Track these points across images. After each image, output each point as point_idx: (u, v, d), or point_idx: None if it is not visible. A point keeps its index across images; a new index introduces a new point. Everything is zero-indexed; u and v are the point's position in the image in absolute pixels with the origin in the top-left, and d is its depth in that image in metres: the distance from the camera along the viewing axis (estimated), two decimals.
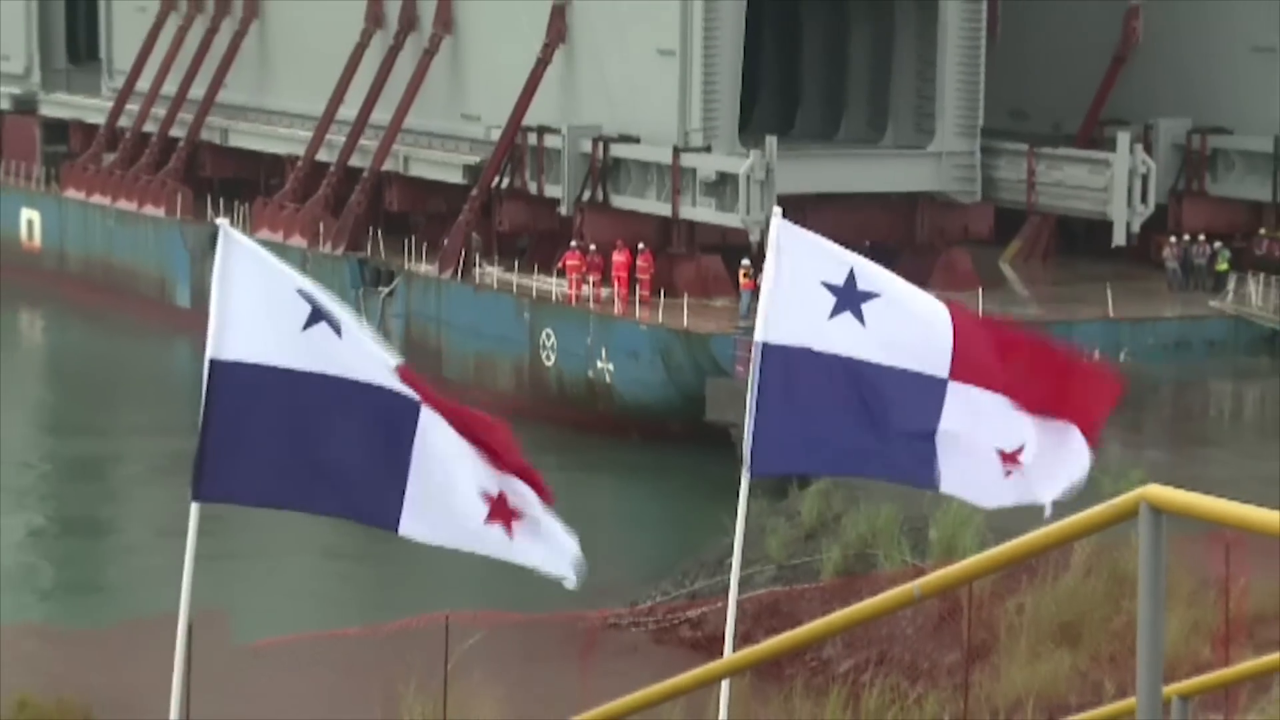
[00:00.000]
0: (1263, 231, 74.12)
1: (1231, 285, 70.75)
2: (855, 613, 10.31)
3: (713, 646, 31.42)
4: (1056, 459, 14.90)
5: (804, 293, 14.95)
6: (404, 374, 13.90)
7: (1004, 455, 14.86)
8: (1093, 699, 26.51)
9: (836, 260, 15.03)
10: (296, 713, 29.84)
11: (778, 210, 15.91)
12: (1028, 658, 32.56)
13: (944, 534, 39.84)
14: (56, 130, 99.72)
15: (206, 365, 13.63)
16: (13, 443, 67.38)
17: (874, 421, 14.96)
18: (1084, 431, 14.96)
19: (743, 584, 15.92)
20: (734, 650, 15.25)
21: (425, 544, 14.24)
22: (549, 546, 14.05)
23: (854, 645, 33.27)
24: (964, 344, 14.90)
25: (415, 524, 13.85)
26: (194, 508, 13.78)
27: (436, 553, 14.98)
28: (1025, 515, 13.68)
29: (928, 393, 14.82)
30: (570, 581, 14.08)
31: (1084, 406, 15.05)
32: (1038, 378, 15.10)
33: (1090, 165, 74.20)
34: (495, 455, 13.96)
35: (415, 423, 13.70)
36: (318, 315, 13.66)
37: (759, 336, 15.03)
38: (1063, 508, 13.74)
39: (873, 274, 15.06)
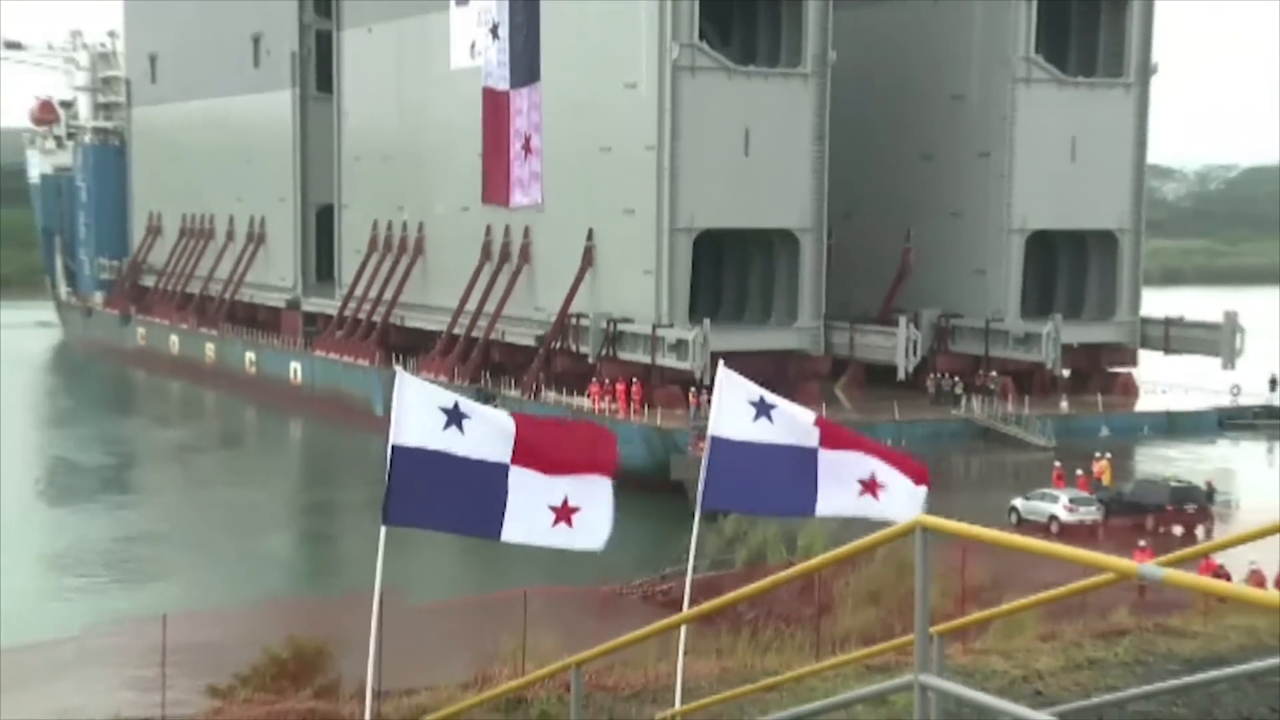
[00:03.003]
0: (980, 372, 74.48)
1: (964, 402, 71.22)
2: (756, 587, 10.22)
3: (676, 606, 31.23)
4: (900, 495, 14.65)
5: (736, 407, 14.85)
6: (519, 419, 13.83)
7: (863, 483, 14.56)
8: (888, 635, 26.29)
9: (753, 390, 14.96)
10: (445, 645, 29.53)
11: (721, 362, 15.71)
12: (852, 611, 32.36)
13: (806, 542, 39.58)
14: (310, 318, 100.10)
15: (389, 448, 13.60)
16: (280, 494, 67.20)
17: (775, 479, 14.82)
18: (916, 479, 14.80)
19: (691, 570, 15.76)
20: (688, 608, 15.10)
21: (518, 544, 14.09)
22: (599, 518, 13.75)
23: (755, 605, 32.99)
24: (826, 428, 14.82)
25: (511, 532, 13.77)
26: (383, 529, 13.71)
27: (518, 553, 14.78)
28: (856, 529, 13.57)
29: (808, 458, 14.67)
30: (603, 543, 13.74)
31: (904, 465, 14.94)
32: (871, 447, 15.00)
33: (885, 334, 74.64)
34: (581, 460, 13.75)
35: (507, 478, 13.67)
36: (449, 422, 13.67)
37: (710, 432, 14.78)
38: (871, 527, 13.63)
39: (772, 395, 15.01)
